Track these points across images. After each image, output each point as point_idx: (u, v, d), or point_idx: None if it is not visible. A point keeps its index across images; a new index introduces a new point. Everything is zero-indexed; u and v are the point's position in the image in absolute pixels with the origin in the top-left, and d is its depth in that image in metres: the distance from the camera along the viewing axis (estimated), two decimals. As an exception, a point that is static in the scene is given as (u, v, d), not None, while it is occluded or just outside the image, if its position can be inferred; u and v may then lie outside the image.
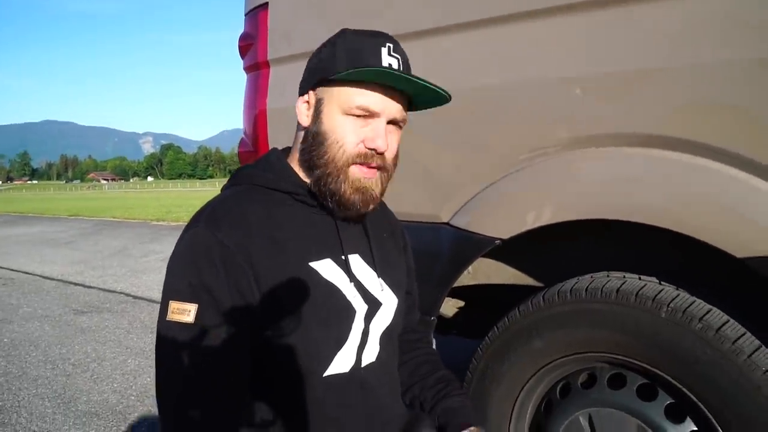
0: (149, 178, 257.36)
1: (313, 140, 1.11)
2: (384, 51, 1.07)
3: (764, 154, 1.19)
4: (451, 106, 1.41)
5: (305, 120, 1.12)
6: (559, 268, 1.62)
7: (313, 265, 1.11)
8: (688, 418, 1.36)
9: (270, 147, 2.03)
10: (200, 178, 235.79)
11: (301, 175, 1.15)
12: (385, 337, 1.22)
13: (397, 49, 1.10)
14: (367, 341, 1.18)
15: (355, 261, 1.18)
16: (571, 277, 1.53)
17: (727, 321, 1.28)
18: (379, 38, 1.09)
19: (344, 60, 1.07)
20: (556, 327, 1.48)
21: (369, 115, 1.08)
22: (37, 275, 7.52)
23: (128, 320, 5.04)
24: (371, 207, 1.14)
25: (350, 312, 1.14)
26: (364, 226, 1.22)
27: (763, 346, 1.25)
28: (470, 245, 1.56)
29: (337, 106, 1.08)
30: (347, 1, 1.84)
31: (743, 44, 1.20)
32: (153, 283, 6.74)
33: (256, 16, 2.05)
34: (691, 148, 1.27)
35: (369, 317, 1.17)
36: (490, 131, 1.54)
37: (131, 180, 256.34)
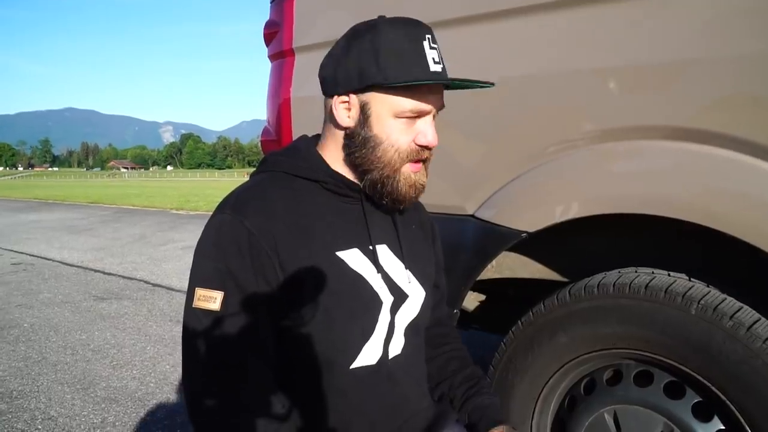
0: (168, 167, 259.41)
1: (363, 144, 1.09)
2: (426, 45, 1.06)
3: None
4: (478, 99, 1.40)
5: (346, 121, 1.09)
6: (584, 263, 1.60)
7: (341, 254, 1.10)
8: (716, 417, 1.33)
9: (293, 136, 2.03)
10: (219, 168, 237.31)
11: (334, 165, 1.14)
12: (411, 330, 1.21)
13: (434, 38, 1.08)
14: (393, 334, 1.17)
15: (383, 251, 1.17)
16: (596, 273, 1.50)
17: (759, 319, 1.25)
18: (418, 30, 1.06)
19: (391, 64, 1.03)
20: (582, 322, 1.46)
21: (419, 114, 1.08)
22: (57, 261, 7.61)
23: (147, 308, 5.08)
24: (420, 197, 1.16)
25: (377, 303, 1.13)
26: (392, 217, 1.21)
27: (796, 346, 1.22)
28: (496, 238, 1.54)
29: (388, 110, 1.06)
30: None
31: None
32: (172, 272, 6.78)
33: (281, 3, 2.04)
34: (725, 141, 1.24)
35: (395, 309, 1.16)
36: (518, 123, 1.52)
37: (151, 169, 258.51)
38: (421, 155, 1.10)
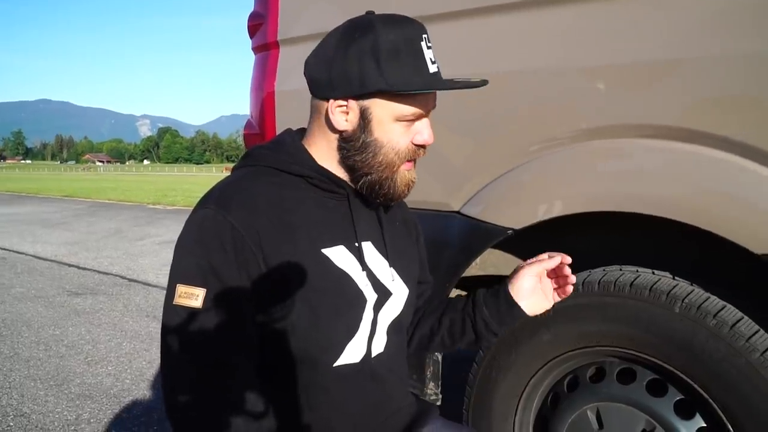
0: (145, 161, 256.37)
1: (363, 148, 1.07)
2: (423, 46, 1.04)
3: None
4: (464, 96, 1.39)
5: (343, 125, 1.07)
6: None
7: (326, 251, 1.08)
8: (698, 415, 1.35)
9: (277, 129, 2.00)
10: (197, 163, 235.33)
11: (320, 161, 1.12)
12: (393, 328, 1.20)
13: (428, 36, 1.07)
14: (376, 331, 1.15)
15: (368, 249, 1.15)
16: (581, 270, 1.51)
17: (741, 318, 1.26)
18: (415, 30, 1.05)
19: (393, 68, 1.01)
20: (566, 320, 1.46)
21: (419, 117, 1.08)
22: (30, 255, 7.48)
23: (123, 303, 5.01)
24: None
25: (361, 301, 1.12)
26: (377, 214, 1.20)
27: (778, 344, 1.23)
28: (481, 234, 1.53)
29: (389, 114, 1.05)
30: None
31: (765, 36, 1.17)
32: (149, 267, 6.70)
33: (266, -5, 2.01)
34: (709, 140, 1.25)
35: (378, 307, 1.15)
36: (504, 120, 1.51)
37: (127, 163, 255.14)
38: (418, 154, 1.10)
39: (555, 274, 1.23)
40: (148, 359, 3.63)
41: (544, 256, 1.22)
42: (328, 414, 1.11)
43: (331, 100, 1.06)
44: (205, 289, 1.00)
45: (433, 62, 1.05)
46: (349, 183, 1.13)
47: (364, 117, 1.05)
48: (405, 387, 1.25)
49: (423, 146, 1.10)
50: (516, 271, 1.25)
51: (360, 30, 1.03)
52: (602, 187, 1.39)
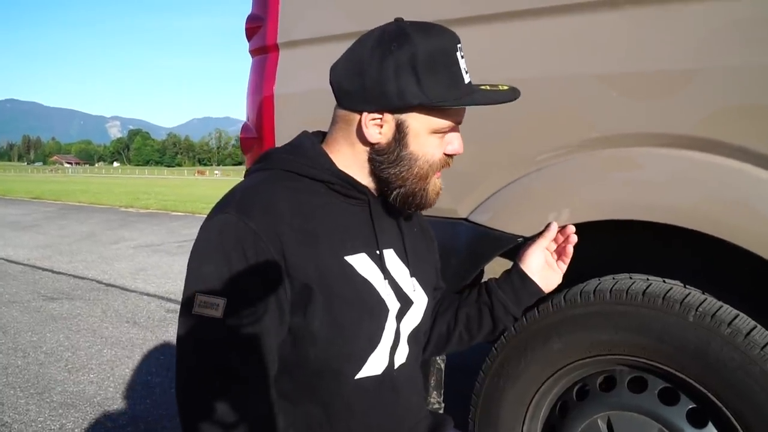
0: (115, 164, 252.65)
1: (398, 161, 1.06)
2: (459, 56, 1.04)
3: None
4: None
5: (377, 138, 1.06)
6: (575, 269, 1.60)
7: (349, 259, 1.06)
8: (710, 423, 1.35)
9: (276, 134, 1.97)
10: (168, 166, 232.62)
11: (341, 166, 1.09)
12: (413, 338, 1.18)
13: (461, 45, 1.06)
14: (399, 342, 1.13)
15: (390, 257, 1.13)
16: (590, 279, 1.50)
17: (755, 327, 1.27)
18: (451, 40, 1.04)
19: (431, 82, 1.00)
20: (577, 328, 1.45)
21: (454, 129, 1.09)
22: (2, 258, 7.29)
23: (101, 308, 4.90)
24: None
25: (383, 310, 1.10)
26: (398, 221, 1.18)
27: (791, 353, 1.23)
28: (490, 242, 1.52)
29: (426, 127, 1.05)
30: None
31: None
32: (125, 271, 6.57)
33: (266, -3, 1.98)
34: (720, 149, 1.25)
35: (400, 316, 1.13)
36: (514, 127, 1.50)
37: (96, 164, 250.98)
38: (448, 164, 1.11)
39: (555, 242, 1.31)
40: (131, 366, 3.55)
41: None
42: (348, 427, 1.09)
43: (365, 113, 1.04)
44: (226, 299, 0.97)
45: (466, 72, 1.04)
46: (371, 190, 1.11)
47: (400, 130, 1.04)
48: (422, 399, 1.24)
49: (452, 156, 1.11)
50: (522, 250, 1.30)
51: (396, 41, 1.00)
52: (613, 195, 1.38)
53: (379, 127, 1.05)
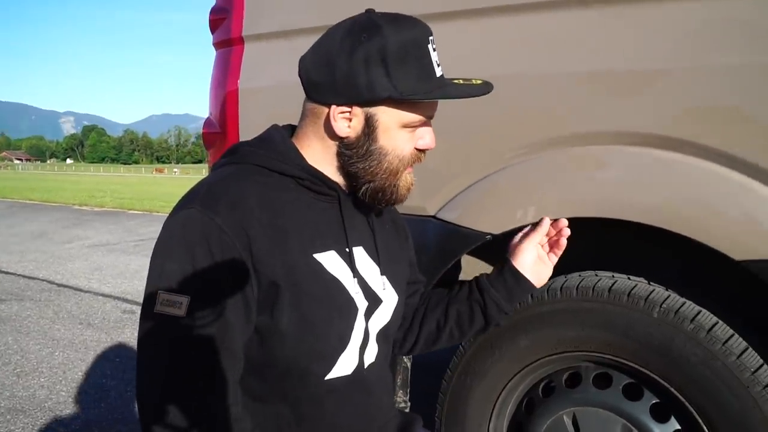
0: (68, 161, 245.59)
1: (367, 156, 1.04)
2: (431, 49, 1.02)
3: (765, 159, 1.19)
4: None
5: (345, 132, 1.03)
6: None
7: (318, 257, 1.04)
8: (673, 418, 1.37)
9: (240, 128, 1.93)
10: (125, 164, 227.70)
11: (312, 161, 1.07)
12: (382, 337, 1.16)
13: (433, 37, 1.04)
14: (368, 341, 1.11)
15: (360, 254, 1.11)
16: (557, 276, 1.51)
17: (717, 322, 1.29)
18: (422, 32, 1.01)
19: (402, 75, 0.98)
20: (544, 325, 1.46)
21: (425, 122, 1.06)
22: (-53, 258, 7.00)
23: (53, 310, 4.74)
24: None
25: (353, 309, 1.08)
26: (368, 217, 1.16)
27: (750, 348, 1.26)
28: (459, 239, 1.51)
29: (396, 121, 1.02)
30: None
31: (748, 48, 1.20)
32: (79, 271, 6.38)
33: (231, -11, 1.94)
34: (688, 148, 1.27)
35: (368, 315, 1.11)
36: (482, 125, 1.50)
37: (49, 161, 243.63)
38: (419, 159, 1.08)
39: (546, 236, 1.30)
40: (84, 369, 3.44)
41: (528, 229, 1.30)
42: (317, 428, 1.06)
43: (333, 106, 1.01)
44: (190, 297, 0.93)
45: (438, 65, 1.02)
46: (342, 186, 1.09)
47: (370, 124, 1.01)
48: (392, 398, 1.22)
49: (424, 151, 1.08)
50: (513, 246, 1.29)
51: (366, 32, 0.98)
52: (580, 193, 1.39)
53: (348, 121, 1.02)
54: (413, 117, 1.02)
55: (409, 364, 1.75)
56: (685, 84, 1.25)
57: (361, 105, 1.01)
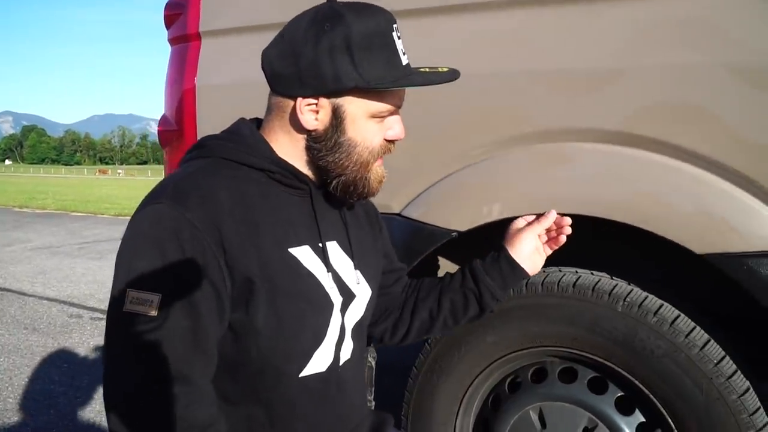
0: (7, 161, 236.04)
1: (336, 148, 1.01)
2: (395, 37, 1.00)
3: (726, 156, 1.22)
4: (407, 96, 1.35)
5: (313, 124, 1.01)
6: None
7: (293, 251, 1.01)
8: (637, 410, 1.39)
9: (198, 126, 1.88)
10: (66, 165, 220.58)
11: (282, 154, 1.04)
12: (356, 332, 1.15)
13: (397, 25, 1.02)
14: (344, 337, 1.10)
15: (333, 249, 1.09)
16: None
17: (679, 315, 1.32)
18: (386, 20, 0.99)
19: (367, 63, 0.96)
20: (510, 321, 1.47)
21: (393, 112, 1.04)
22: None
23: (-5, 315, 4.54)
24: None
25: (328, 305, 1.06)
26: (341, 211, 1.14)
27: (713, 340, 1.29)
28: (424, 237, 1.51)
29: (364, 112, 1.00)
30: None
31: (711, 48, 1.23)
32: (22, 275, 6.12)
33: (186, -17, 1.88)
34: (650, 144, 1.29)
35: (343, 310, 1.09)
36: (448, 122, 1.50)
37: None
38: (389, 150, 1.06)
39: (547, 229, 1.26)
40: (31, 375, 3.30)
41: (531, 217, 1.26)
42: (291, 428, 1.04)
43: (299, 99, 0.99)
44: (161, 294, 0.90)
45: (403, 53, 1.01)
46: (313, 179, 1.07)
47: (337, 115, 0.99)
48: (365, 396, 1.21)
49: (393, 142, 1.06)
50: (512, 233, 1.26)
51: (329, 21, 0.96)
52: (545, 189, 1.41)
53: (314, 113, 1.00)
54: (381, 106, 1.00)
55: (373, 363, 1.73)
56: (645, 82, 1.28)
57: (328, 96, 0.99)
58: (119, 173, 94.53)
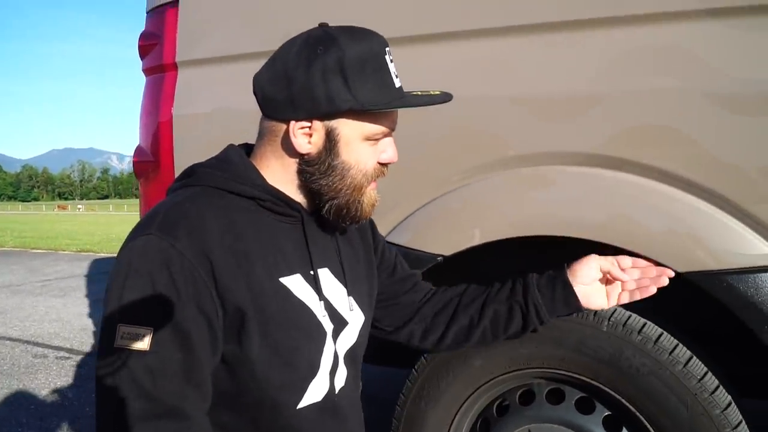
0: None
1: (329, 171, 1.01)
2: (388, 60, 1.01)
3: (701, 176, 1.26)
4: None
5: (306, 148, 1.00)
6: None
7: (284, 281, 1.01)
8: (624, 429, 1.41)
9: (175, 156, 1.87)
10: (23, 201, 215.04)
11: (272, 181, 1.04)
12: (349, 358, 1.14)
13: (390, 49, 1.03)
14: (338, 364, 1.09)
15: (325, 276, 1.08)
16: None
17: (662, 333, 1.34)
18: (378, 44, 1.01)
19: (360, 86, 0.96)
20: (497, 345, 1.46)
21: (387, 135, 1.04)
22: None
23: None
24: None
25: (321, 333, 1.05)
26: (333, 236, 1.14)
27: (695, 357, 1.32)
28: (410, 262, 1.49)
29: (358, 135, 1.00)
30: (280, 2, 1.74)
31: (684, 75, 1.28)
32: (-20, 314, 5.91)
33: (163, 14, 1.88)
34: (629, 167, 1.33)
35: (335, 337, 1.09)
36: (432, 147, 1.52)
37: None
38: (383, 173, 1.06)
39: (634, 275, 1.21)
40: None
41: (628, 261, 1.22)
42: None
43: (293, 122, 0.99)
44: (152, 328, 0.88)
45: (396, 76, 1.02)
46: (304, 206, 1.06)
47: (331, 138, 0.99)
48: (362, 421, 1.19)
49: (387, 165, 1.07)
50: (581, 262, 1.21)
51: (322, 44, 0.97)
52: (528, 212, 1.43)
53: (308, 136, 1.00)
54: (375, 128, 1.01)
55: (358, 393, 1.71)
56: (622, 106, 1.32)
57: (322, 118, 0.99)
58: (79, 208, 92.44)
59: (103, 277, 8.37)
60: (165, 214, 0.96)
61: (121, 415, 0.88)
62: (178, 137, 1.87)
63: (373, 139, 1.02)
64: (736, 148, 1.23)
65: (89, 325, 5.33)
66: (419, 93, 1.05)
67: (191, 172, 1.06)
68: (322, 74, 0.96)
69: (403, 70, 1.51)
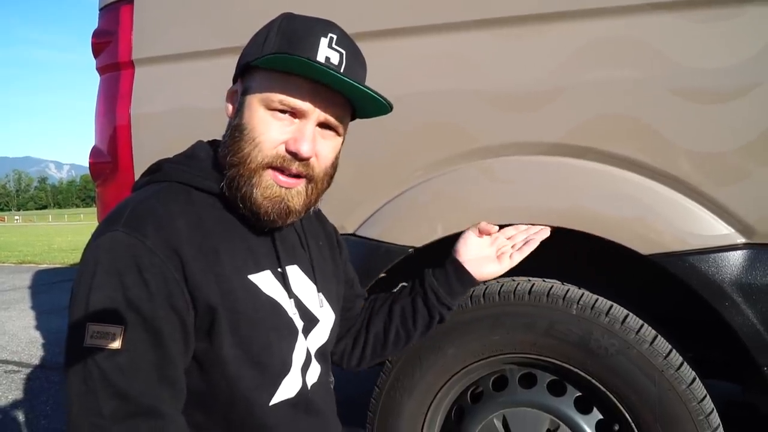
0: None
1: (231, 135, 0.97)
2: (323, 42, 0.94)
3: (662, 162, 1.32)
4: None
5: (229, 112, 1.01)
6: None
7: (253, 278, 0.99)
8: (595, 408, 1.45)
9: (134, 155, 1.82)
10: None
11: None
12: (320, 355, 1.13)
13: (342, 43, 0.97)
14: (310, 361, 1.08)
15: (294, 273, 1.08)
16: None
17: (629, 314, 1.39)
18: (322, 26, 0.96)
19: (274, 45, 0.94)
20: (470, 332, 1.49)
21: (295, 114, 0.95)
22: None
23: None
24: (289, 220, 1.01)
25: (293, 331, 1.04)
26: (300, 234, 1.13)
27: (660, 336, 1.37)
28: (381, 255, 1.52)
29: (259, 98, 0.95)
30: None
31: (646, 66, 1.32)
32: None
33: (117, 10, 1.83)
34: (593, 155, 1.37)
35: (306, 334, 1.08)
36: (399, 140, 1.53)
37: None
38: (288, 165, 0.95)
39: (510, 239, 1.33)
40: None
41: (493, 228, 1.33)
42: None
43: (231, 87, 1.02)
44: (123, 327, 0.86)
45: (327, 58, 0.94)
46: None
47: (241, 99, 0.99)
48: (335, 416, 1.19)
49: (297, 157, 0.95)
50: (461, 241, 1.31)
51: (281, 17, 0.99)
52: (493, 202, 1.46)
53: (233, 100, 1.01)
54: (272, 96, 0.93)
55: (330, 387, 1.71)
56: (583, 97, 1.36)
57: (241, 78, 1.00)
58: (17, 219, 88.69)
59: (46, 289, 8.09)
60: (132, 210, 0.93)
61: (95, 417, 0.85)
62: (136, 136, 1.82)
63: (273, 108, 0.94)
64: (695, 135, 1.29)
65: (37, 337, 5.13)
66: (365, 87, 0.96)
67: (158, 168, 1.04)
68: (255, 37, 0.98)
69: (370, 63, 1.52)
